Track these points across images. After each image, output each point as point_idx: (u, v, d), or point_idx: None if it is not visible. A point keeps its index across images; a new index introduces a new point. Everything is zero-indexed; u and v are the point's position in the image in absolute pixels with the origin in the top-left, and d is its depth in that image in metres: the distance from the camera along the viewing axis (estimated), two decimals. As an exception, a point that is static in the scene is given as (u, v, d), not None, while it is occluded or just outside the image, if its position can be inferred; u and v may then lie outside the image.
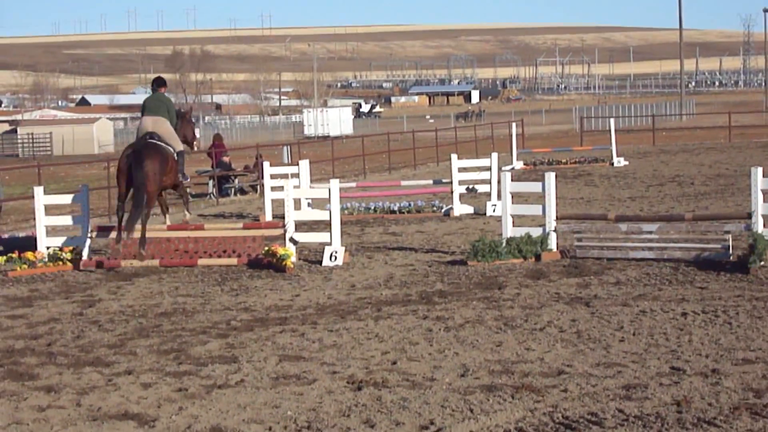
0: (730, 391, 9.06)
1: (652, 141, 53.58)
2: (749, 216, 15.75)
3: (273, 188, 23.86)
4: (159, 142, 18.38)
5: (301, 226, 19.40)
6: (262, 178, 25.89)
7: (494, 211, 23.70)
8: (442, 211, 24.91)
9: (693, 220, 16.90)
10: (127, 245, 17.93)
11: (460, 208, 24.84)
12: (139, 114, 20.57)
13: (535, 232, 17.17)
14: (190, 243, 18.23)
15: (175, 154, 18.82)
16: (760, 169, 15.62)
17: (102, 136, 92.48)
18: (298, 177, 25.35)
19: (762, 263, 14.82)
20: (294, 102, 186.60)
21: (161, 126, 18.70)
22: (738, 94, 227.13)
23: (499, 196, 20.24)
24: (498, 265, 16.45)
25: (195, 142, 20.42)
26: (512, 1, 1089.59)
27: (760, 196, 15.57)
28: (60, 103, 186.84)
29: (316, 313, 13.36)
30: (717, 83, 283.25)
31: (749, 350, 10.44)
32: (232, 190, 34.24)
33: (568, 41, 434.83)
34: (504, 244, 16.88)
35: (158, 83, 19.73)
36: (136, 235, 17.79)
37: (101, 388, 10.10)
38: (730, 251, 15.67)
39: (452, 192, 25.09)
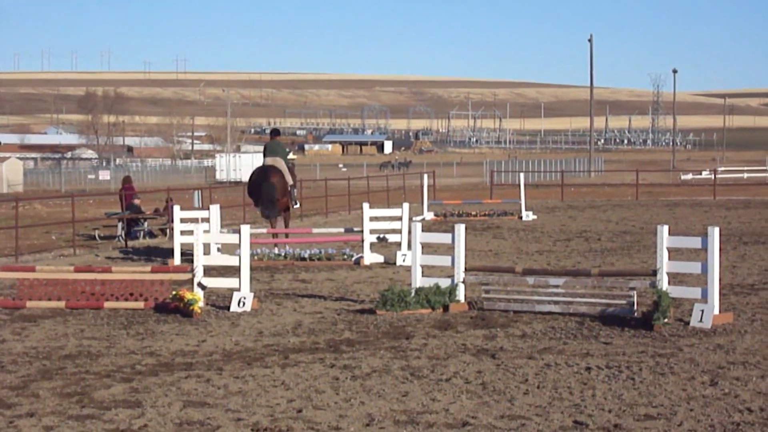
0: (631, 445, 9.15)
1: (560, 196, 54.17)
2: (654, 273, 15.97)
3: (183, 232, 23.71)
4: (280, 168, 25.17)
5: (210, 271, 19.31)
6: (172, 221, 25.72)
7: (404, 260, 23.78)
8: (353, 259, 24.93)
9: (599, 275, 17.11)
10: (33, 286, 17.77)
11: (370, 257, 24.88)
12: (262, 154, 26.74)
13: (444, 283, 17.26)
14: (97, 285, 18.03)
15: (289, 186, 25.56)
16: (665, 227, 15.87)
17: (11, 175, 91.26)
18: (209, 221, 25.23)
19: (666, 320, 15.04)
20: (207, 146, 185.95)
21: (279, 163, 25.43)
22: (646, 152, 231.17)
23: (409, 246, 20.33)
24: (406, 314, 16.50)
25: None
26: (427, 53, 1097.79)
27: (665, 253, 15.81)
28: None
29: (222, 359, 13.28)
30: (626, 141, 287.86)
31: (651, 406, 10.58)
32: (141, 233, 33.95)
33: (480, 95, 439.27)
34: (413, 294, 16.94)
35: (275, 133, 27.38)
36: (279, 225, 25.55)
37: (2, 430, 9.94)
38: (635, 307, 15.88)
39: (363, 241, 25.13)
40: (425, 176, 42.40)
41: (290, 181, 25.94)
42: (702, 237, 15.62)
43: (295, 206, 26.82)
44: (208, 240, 20.30)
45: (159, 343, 14.51)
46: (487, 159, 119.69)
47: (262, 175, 25.58)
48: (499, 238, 30.85)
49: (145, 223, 34.48)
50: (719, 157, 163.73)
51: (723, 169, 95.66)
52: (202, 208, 34.37)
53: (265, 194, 25.47)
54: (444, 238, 18.28)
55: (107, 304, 17.64)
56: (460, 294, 17.18)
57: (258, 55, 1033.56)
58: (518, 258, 25.16)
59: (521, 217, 38.63)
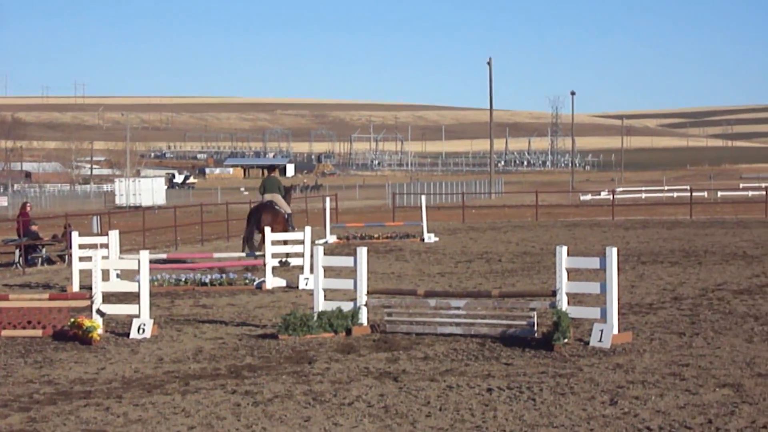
0: (532, 465, 9.20)
1: (461, 218, 54.47)
2: (554, 294, 16.11)
3: (81, 258, 23.40)
4: (275, 205, 29.34)
5: (109, 297, 19.10)
6: (71, 247, 25.39)
7: (306, 284, 23.72)
8: (255, 283, 24.80)
9: (500, 296, 17.22)
10: None
11: (272, 281, 24.77)
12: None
13: (347, 307, 17.25)
14: (-8, 313, 17.71)
15: (285, 215, 29.61)
16: (564, 248, 16.02)
17: None
18: (108, 247, 24.93)
19: (566, 340, 15.17)
20: (106, 171, 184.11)
21: (276, 198, 29.76)
22: (546, 173, 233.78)
23: (311, 270, 20.28)
24: (309, 339, 16.45)
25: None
26: (328, 76, 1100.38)
27: (565, 274, 15.96)
28: None
29: (121, 386, 13.11)
30: (526, 163, 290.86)
31: (552, 426, 10.65)
32: (39, 259, 33.45)
33: (382, 118, 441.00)
34: (315, 318, 16.90)
35: (271, 169, 33.16)
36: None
37: None
38: (536, 328, 15.99)
39: (265, 265, 25.02)
40: (327, 199, 42.37)
41: (288, 210, 30.17)
42: (600, 257, 15.80)
43: (293, 230, 29.68)
44: (107, 266, 20.06)
45: (57, 372, 14.28)
46: (389, 181, 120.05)
47: (257, 212, 29.22)
48: (401, 261, 30.93)
49: (44, 250, 33.99)
50: (617, 177, 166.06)
51: (621, 189, 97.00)
52: (101, 234, 33.99)
53: (249, 231, 28.90)
54: (346, 261, 18.27)
55: (4, 333, 17.36)
56: (363, 317, 17.18)
57: (158, 79, 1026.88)
58: (420, 280, 25.23)
59: (423, 240, 38.77)
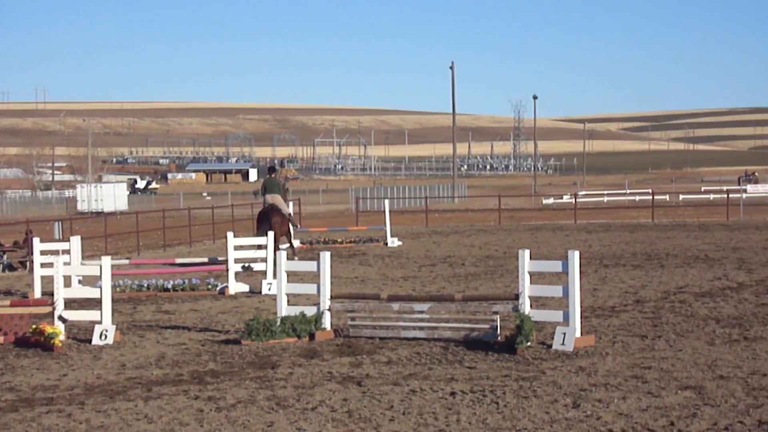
0: (496, 469, 9.21)
1: (425, 222, 54.56)
2: (517, 297, 16.15)
3: (43, 265, 23.27)
4: (278, 207, 30.74)
5: (71, 303, 18.98)
6: (32, 254, 25.24)
7: (270, 289, 23.69)
8: (217, 289, 24.74)
9: (463, 300, 17.23)
10: None
11: (235, 287, 24.72)
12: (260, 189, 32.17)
13: (310, 311, 17.23)
14: (-47, 320, 17.57)
15: (287, 215, 31.31)
16: (527, 252, 16.06)
17: None
18: (69, 253, 24.79)
19: (529, 344, 15.21)
20: (68, 177, 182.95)
21: (276, 199, 31.01)
22: (508, 177, 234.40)
23: (274, 275, 20.24)
24: (272, 344, 16.42)
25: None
26: (290, 81, 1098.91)
27: (527, 277, 16.01)
28: None
29: (84, 393, 13.04)
30: (488, 167, 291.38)
31: (515, 430, 10.68)
32: (1, 266, 33.23)
33: (345, 123, 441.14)
34: (278, 323, 16.86)
35: (272, 170, 32.84)
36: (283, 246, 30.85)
37: None
38: (498, 331, 16.03)
39: (228, 270, 24.96)
40: (291, 204, 42.29)
41: (288, 211, 32.12)
42: (563, 260, 15.85)
43: (297, 228, 33.38)
44: (69, 272, 19.94)
45: (19, 378, 14.19)
46: (352, 186, 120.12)
47: (266, 216, 30.74)
48: (365, 265, 30.93)
49: (5, 256, 33.77)
50: (580, 181, 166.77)
51: (584, 193, 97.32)
52: (63, 240, 33.79)
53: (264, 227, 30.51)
54: (310, 266, 18.24)
55: (-36, 340, 17.20)
56: (326, 322, 17.16)
57: (119, 84, 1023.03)
58: (384, 284, 25.24)
59: (387, 244, 38.80)
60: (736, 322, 17.49)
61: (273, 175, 32.48)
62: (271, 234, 25.83)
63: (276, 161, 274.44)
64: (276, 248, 29.77)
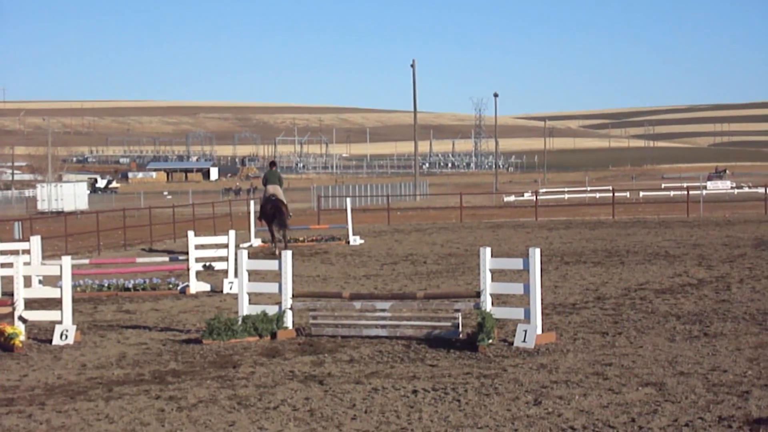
0: (458, 466, 9.21)
1: (387, 220, 54.56)
2: (478, 295, 16.18)
3: (3, 265, 23.11)
4: (280, 199, 33.85)
5: (31, 303, 18.86)
6: (-9, 254, 25.04)
7: (231, 288, 23.64)
8: (178, 288, 24.66)
9: (425, 298, 17.24)
10: None
11: (196, 286, 24.64)
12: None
13: (272, 310, 17.20)
14: None
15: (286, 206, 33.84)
16: (488, 250, 16.10)
17: None
18: (30, 253, 24.64)
19: (490, 341, 15.24)
20: (27, 176, 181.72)
21: (277, 190, 34.16)
22: (470, 175, 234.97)
23: (236, 274, 20.19)
24: (233, 343, 16.38)
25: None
26: (251, 79, 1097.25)
27: (488, 275, 16.04)
28: None
29: (44, 393, 12.96)
30: (450, 165, 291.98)
31: (477, 427, 10.69)
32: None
33: (306, 121, 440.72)
34: (240, 322, 16.82)
35: (272, 164, 36.61)
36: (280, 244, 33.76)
37: None
38: (460, 329, 16.06)
39: (189, 269, 24.88)
40: (252, 203, 42.22)
41: (286, 201, 34.47)
42: (524, 258, 15.90)
43: (289, 216, 35.16)
44: (29, 272, 19.81)
45: (-22, 380, 14.08)
46: (314, 184, 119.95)
47: (275, 207, 33.76)
48: (327, 264, 30.90)
49: (-37, 256, 33.48)
50: (540, 178, 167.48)
51: (544, 190, 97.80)
52: (23, 240, 33.57)
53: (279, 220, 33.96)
54: (271, 264, 18.21)
55: None
56: (288, 321, 17.14)
57: (79, 83, 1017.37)
58: (346, 283, 25.23)
59: (349, 242, 38.76)
60: (697, 318, 17.58)
61: (274, 168, 35.53)
62: (232, 233, 25.71)
63: (237, 160, 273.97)
64: (274, 239, 34.60)
